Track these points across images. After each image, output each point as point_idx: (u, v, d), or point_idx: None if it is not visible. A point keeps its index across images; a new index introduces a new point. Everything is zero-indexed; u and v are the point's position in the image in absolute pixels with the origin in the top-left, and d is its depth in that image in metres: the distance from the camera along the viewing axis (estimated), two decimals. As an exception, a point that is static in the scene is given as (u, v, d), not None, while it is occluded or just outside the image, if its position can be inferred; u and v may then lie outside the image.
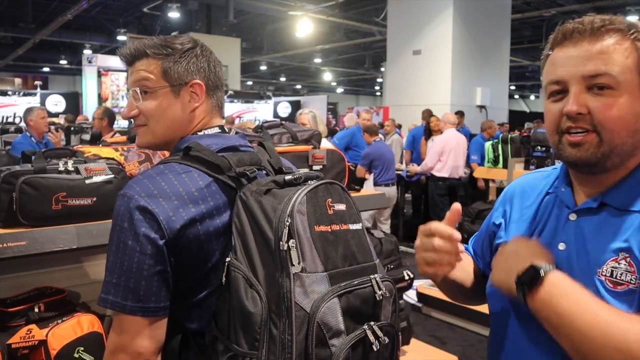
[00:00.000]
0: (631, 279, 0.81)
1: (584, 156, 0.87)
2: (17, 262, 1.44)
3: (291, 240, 0.86)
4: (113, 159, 1.82)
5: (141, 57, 1.08)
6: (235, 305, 0.90)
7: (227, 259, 0.94)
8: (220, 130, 1.12)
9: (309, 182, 0.98)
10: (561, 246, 0.91)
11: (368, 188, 5.14)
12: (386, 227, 5.91)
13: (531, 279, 0.83)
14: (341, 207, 0.98)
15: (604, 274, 0.84)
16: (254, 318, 0.86)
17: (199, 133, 1.10)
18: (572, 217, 0.92)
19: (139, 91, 1.08)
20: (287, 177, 0.97)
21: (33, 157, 1.54)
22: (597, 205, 0.90)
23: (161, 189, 0.95)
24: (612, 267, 0.83)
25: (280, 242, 0.86)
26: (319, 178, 1.00)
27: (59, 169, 1.51)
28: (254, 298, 0.88)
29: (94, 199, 1.52)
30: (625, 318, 0.78)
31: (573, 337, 0.80)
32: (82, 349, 1.43)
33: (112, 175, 1.58)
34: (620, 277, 0.82)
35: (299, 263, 0.86)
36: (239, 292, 0.89)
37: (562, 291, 0.82)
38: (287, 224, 0.87)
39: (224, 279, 0.94)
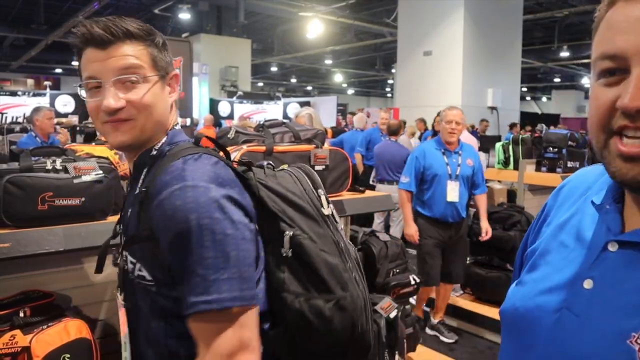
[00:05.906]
0: None
1: None
2: (3, 264, 1.38)
3: (330, 205, 1.05)
4: (107, 157, 1.77)
5: (125, 38, 0.93)
6: (315, 265, 0.97)
7: (288, 233, 0.97)
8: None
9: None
10: (587, 284, 0.64)
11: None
12: (380, 227, 5.76)
13: None
14: None
15: (639, 340, 0.57)
16: (339, 267, 0.99)
17: (176, 128, 1.04)
18: (612, 247, 0.64)
19: (132, 79, 0.93)
20: (268, 165, 1.07)
21: (21, 155, 1.48)
22: None
23: (224, 177, 0.91)
24: None
25: (322, 209, 1.03)
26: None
27: (47, 167, 1.45)
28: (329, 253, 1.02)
29: (83, 199, 1.46)
30: None
31: None
32: (68, 356, 1.36)
33: (103, 175, 1.51)
34: None
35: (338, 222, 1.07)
36: (317, 251, 1.00)
37: None
38: (320, 194, 1.05)
39: (289, 252, 0.96)
